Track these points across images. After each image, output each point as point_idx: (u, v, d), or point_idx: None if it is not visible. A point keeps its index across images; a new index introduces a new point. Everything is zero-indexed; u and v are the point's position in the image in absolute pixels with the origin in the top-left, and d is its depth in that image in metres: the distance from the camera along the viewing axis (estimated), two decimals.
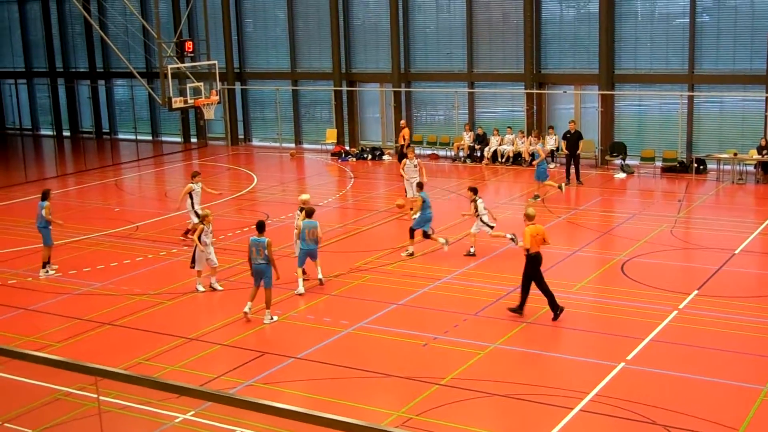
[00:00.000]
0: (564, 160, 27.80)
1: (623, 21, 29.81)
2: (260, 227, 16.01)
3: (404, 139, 29.28)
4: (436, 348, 14.41)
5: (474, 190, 19.82)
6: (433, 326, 15.26)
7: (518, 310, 15.50)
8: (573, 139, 27.10)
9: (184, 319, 16.35)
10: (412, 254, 19.50)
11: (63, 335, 15.41)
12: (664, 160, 28.81)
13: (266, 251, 15.60)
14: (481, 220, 19.57)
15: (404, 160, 23.59)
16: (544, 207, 24.03)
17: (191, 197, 20.77)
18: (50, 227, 19.23)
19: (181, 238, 21.34)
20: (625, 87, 30.40)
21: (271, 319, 15.76)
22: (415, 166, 23.05)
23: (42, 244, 19.25)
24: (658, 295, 16.48)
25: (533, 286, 15.45)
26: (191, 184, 20.93)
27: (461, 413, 12.06)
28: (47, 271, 19.09)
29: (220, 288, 17.64)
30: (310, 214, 17.34)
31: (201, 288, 17.54)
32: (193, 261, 17.52)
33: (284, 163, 33.63)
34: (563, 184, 25.26)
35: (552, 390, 12.56)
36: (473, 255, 19.39)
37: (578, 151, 27.09)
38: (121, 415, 11.96)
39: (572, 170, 27.00)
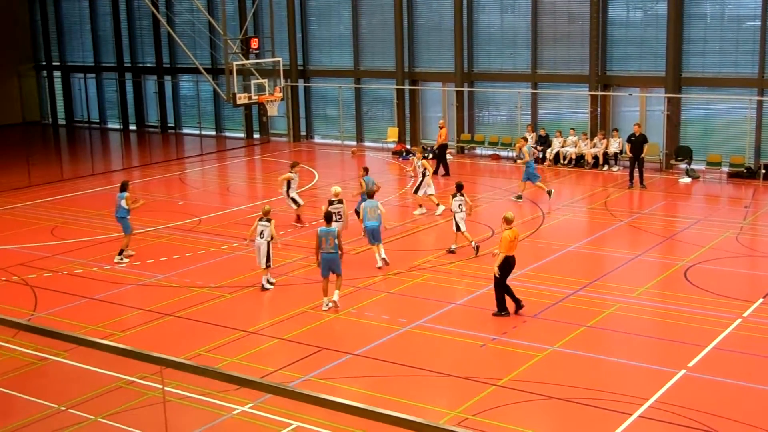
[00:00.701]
0: (628, 164, 27.43)
1: (692, 23, 29.30)
2: (328, 218, 16.52)
3: (441, 138, 28.94)
4: (494, 349, 14.36)
5: (459, 187, 19.82)
6: (491, 327, 15.20)
7: (506, 310, 15.67)
8: (637, 142, 26.70)
9: (244, 312, 16.54)
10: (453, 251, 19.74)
11: (126, 325, 15.70)
12: (731, 165, 28.26)
13: (336, 240, 16.03)
14: (455, 217, 19.59)
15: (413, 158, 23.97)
16: (607, 210, 23.77)
17: (288, 184, 22.18)
18: (129, 217, 19.79)
19: (294, 224, 22.31)
20: (692, 90, 29.88)
21: (334, 302, 16.11)
22: (418, 167, 23.31)
23: (123, 233, 19.88)
24: (721, 302, 16.19)
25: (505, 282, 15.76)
26: (290, 173, 22.33)
27: (518, 415, 12.01)
28: (122, 258, 19.62)
29: (271, 283, 17.75)
30: (371, 194, 17.99)
31: (270, 285, 17.63)
32: (268, 259, 17.45)
33: (345, 160, 33.78)
34: (552, 190, 24.77)
35: (611, 395, 12.42)
36: (453, 252, 19.69)
37: (642, 155, 26.69)
38: (181, 405, 12.14)
39: (636, 174, 26.63)
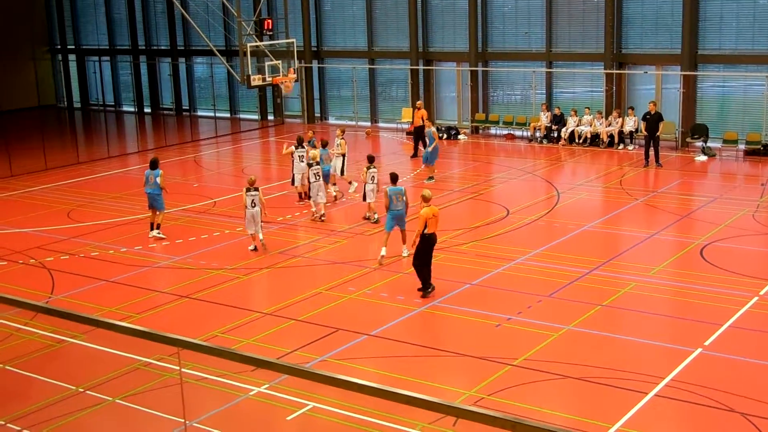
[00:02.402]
0: (643, 142, 27.25)
1: (708, 0, 29.03)
2: (394, 178, 18.16)
3: (422, 121, 28.25)
4: (509, 329, 14.37)
5: (370, 159, 21.04)
6: (506, 307, 15.20)
7: (426, 289, 15.78)
8: (653, 120, 26.50)
9: (259, 293, 16.61)
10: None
11: (143, 307, 15.80)
12: (747, 142, 28.08)
13: (405, 197, 17.72)
14: (366, 188, 20.52)
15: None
16: (622, 189, 23.69)
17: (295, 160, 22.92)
18: (162, 193, 20.18)
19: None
20: (708, 68, 29.65)
21: (404, 256, 17.68)
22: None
23: (157, 210, 20.22)
24: (738, 280, 16.12)
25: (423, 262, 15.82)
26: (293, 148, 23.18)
27: (534, 394, 12.03)
28: (159, 233, 20.09)
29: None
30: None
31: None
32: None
33: (360, 141, 33.75)
34: (433, 178, 24.76)
35: (627, 374, 12.42)
36: (377, 222, 20.43)
37: (658, 133, 26.50)
38: (197, 386, 12.22)
39: (651, 152, 26.48)
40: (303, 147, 22.91)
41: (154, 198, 20.09)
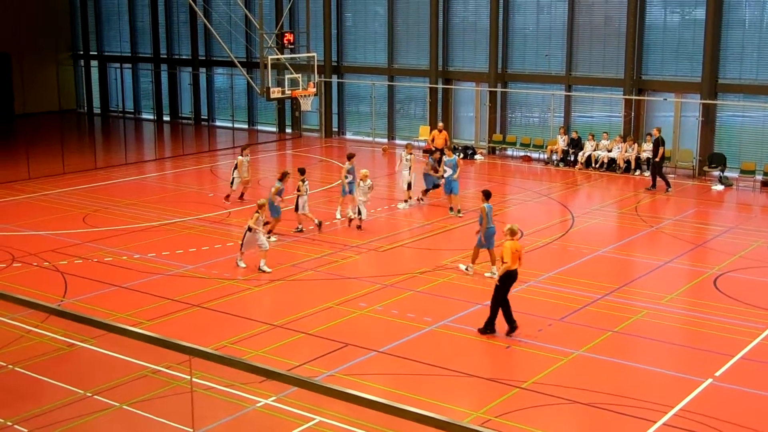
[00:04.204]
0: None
1: (730, 29, 29.00)
2: (488, 195, 17.96)
3: (445, 143, 27.94)
4: (519, 351, 14.32)
5: (301, 171, 21.65)
6: (517, 329, 15.13)
7: (494, 330, 14.86)
8: (654, 144, 26.92)
9: (270, 305, 16.63)
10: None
11: (154, 314, 15.83)
12: (765, 173, 27.97)
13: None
14: (298, 200, 21.12)
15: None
16: (637, 215, 23.62)
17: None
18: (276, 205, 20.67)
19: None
20: (727, 97, 29.59)
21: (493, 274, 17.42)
22: (406, 161, 24.44)
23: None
24: (751, 312, 16.03)
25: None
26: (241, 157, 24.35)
27: (541, 418, 11.97)
28: (269, 237, 20.30)
29: (268, 270, 18.25)
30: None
31: (243, 264, 18.61)
32: (242, 245, 18.54)
33: (376, 157, 33.79)
34: (461, 211, 23.58)
35: (635, 402, 12.35)
36: (301, 231, 21.30)
37: (656, 158, 26.69)
38: (204, 395, 12.23)
39: (658, 177, 26.69)
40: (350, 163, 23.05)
41: (270, 207, 20.42)
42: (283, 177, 21.27)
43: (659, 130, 27.30)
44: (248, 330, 15.05)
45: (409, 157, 24.41)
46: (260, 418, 11.98)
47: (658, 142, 26.76)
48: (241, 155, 24.72)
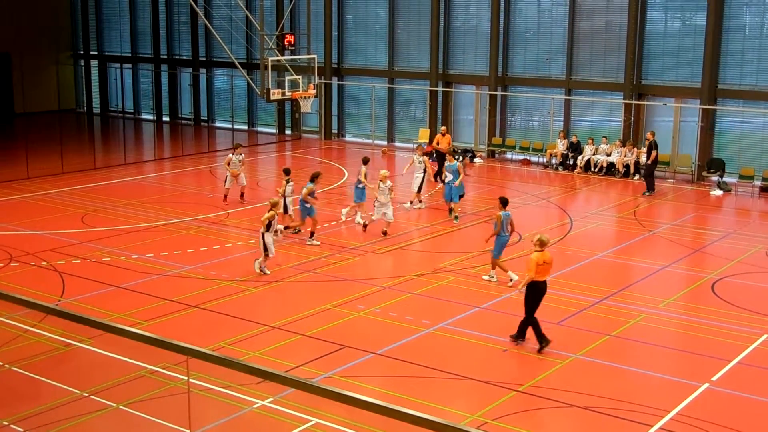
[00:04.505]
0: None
1: (730, 35, 29.03)
2: (505, 203, 17.56)
3: (440, 146, 28.14)
4: (516, 354, 14.32)
5: (286, 172, 21.83)
6: (514, 332, 15.13)
7: (524, 338, 14.50)
8: (648, 148, 27.38)
9: (268, 307, 16.63)
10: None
11: (151, 314, 15.83)
12: (764, 179, 28.00)
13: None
14: (285, 201, 21.11)
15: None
16: (635, 219, 23.63)
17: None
18: (308, 205, 20.51)
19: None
20: (727, 102, 29.62)
21: (491, 277, 17.78)
22: (419, 163, 24.43)
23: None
24: (748, 317, 16.04)
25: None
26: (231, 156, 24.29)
27: (538, 421, 11.98)
28: (313, 240, 20.47)
29: (267, 272, 18.18)
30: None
31: (267, 271, 18.24)
32: (266, 248, 18.08)
33: (375, 160, 33.78)
34: (458, 217, 23.18)
35: (632, 406, 12.35)
36: (298, 232, 21.27)
37: (648, 161, 27.18)
38: (201, 396, 12.22)
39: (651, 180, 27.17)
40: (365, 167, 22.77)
41: (301, 207, 20.58)
42: (314, 178, 20.84)
43: (653, 134, 27.49)
44: (246, 331, 15.05)
45: (422, 159, 24.35)
46: (257, 419, 11.98)
47: (651, 146, 27.00)
48: (232, 153, 24.68)
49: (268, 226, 18.09)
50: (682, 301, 17.34)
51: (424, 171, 24.32)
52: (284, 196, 21.29)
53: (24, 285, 17.17)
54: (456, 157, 23.74)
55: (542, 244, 14.42)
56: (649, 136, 27.62)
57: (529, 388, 12.89)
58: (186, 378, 11.97)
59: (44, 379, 13.02)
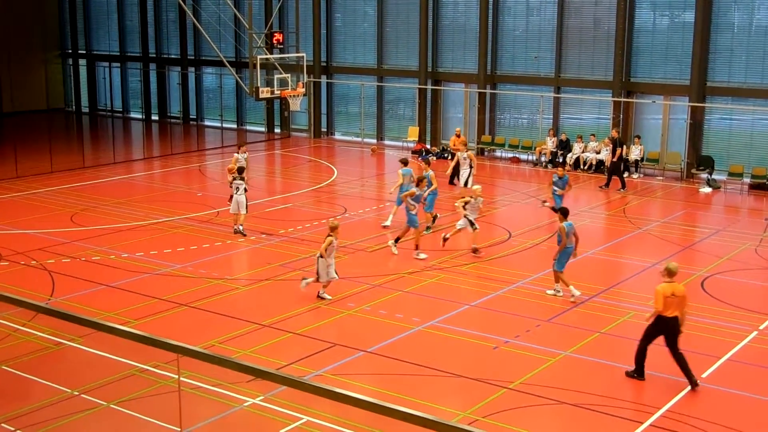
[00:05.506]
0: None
1: (719, 32, 29.13)
2: (566, 213, 16.84)
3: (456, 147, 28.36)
4: (506, 351, 14.35)
5: (240, 170, 21.09)
6: (505, 330, 15.19)
7: (642, 374, 13.31)
8: (613, 145, 27.69)
9: (258, 305, 16.60)
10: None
11: (141, 313, 15.79)
12: (753, 176, 28.11)
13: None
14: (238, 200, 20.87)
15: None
16: (625, 217, 23.70)
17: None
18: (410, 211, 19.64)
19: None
20: (716, 100, 29.73)
21: (557, 292, 16.91)
22: (464, 159, 24.41)
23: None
24: (738, 314, 16.10)
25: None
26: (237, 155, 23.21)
27: (528, 419, 12.00)
28: (395, 244, 19.73)
29: (328, 297, 16.65)
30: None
31: (328, 296, 16.67)
32: (318, 274, 16.54)
33: (365, 158, 33.82)
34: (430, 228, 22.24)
35: (622, 402, 12.39)
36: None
37: (613, 158, 27.53)
38: (192, 394, 12.20)
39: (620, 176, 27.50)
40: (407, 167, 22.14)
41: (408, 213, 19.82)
42: (419, 182, 19.90)
43: (618, 132, 28.00)
44: (236, 329, 15.03)
45: (466, 155, 24.25)
46: (248, 417, 11.97)
47: (616, 143, 27.28)
48: (237, 152, 23.73)
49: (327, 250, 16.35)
50: None
51: (471, 166, 24.18)
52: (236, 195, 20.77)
53: (13, 284, 17.09)
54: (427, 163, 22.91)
55: (670, 273, 12.99)
56: (613, 133, 27.96)
57: (519, 385, 12.91)
58: (177, 376, 11.95)
59: (34, 378, 12.97)
